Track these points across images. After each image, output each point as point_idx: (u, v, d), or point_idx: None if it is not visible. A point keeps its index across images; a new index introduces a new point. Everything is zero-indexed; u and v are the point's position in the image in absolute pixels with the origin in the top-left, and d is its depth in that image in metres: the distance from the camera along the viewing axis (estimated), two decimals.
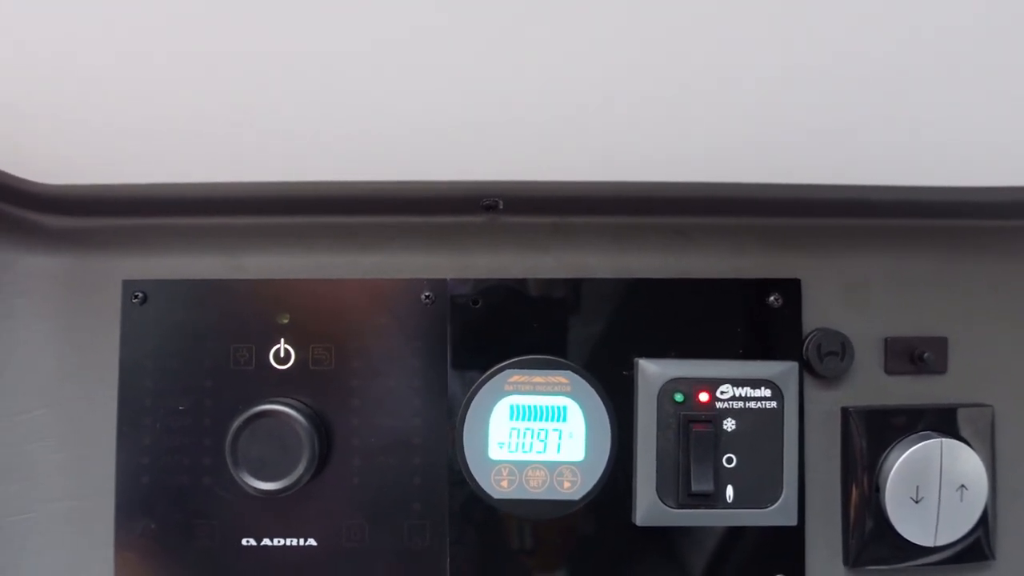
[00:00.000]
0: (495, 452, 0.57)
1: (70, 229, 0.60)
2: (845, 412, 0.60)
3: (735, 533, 0.59)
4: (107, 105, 0.46)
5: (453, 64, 0.41)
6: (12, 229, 0.59)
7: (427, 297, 0.59)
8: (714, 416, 0.57)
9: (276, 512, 0.58)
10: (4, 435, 0.58)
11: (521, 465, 0.57)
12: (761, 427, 0.57)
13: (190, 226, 0.61)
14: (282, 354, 0.59)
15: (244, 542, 0.58)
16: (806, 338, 0.60)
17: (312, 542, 0.58)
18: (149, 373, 0.59)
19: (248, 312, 0.59)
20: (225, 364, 0.59)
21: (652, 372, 0.57)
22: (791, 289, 0.60)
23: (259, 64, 0.41)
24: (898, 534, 0.59)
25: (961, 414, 0.60)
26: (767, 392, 0.57)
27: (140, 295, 0.59)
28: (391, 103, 0.45)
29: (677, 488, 0.57)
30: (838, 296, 0.61)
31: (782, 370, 0.58)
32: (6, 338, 0.59)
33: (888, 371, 0.61)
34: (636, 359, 0.58)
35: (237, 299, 0.59)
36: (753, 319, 0.60)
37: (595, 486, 0.57)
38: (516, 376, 0.57)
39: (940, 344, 0.61)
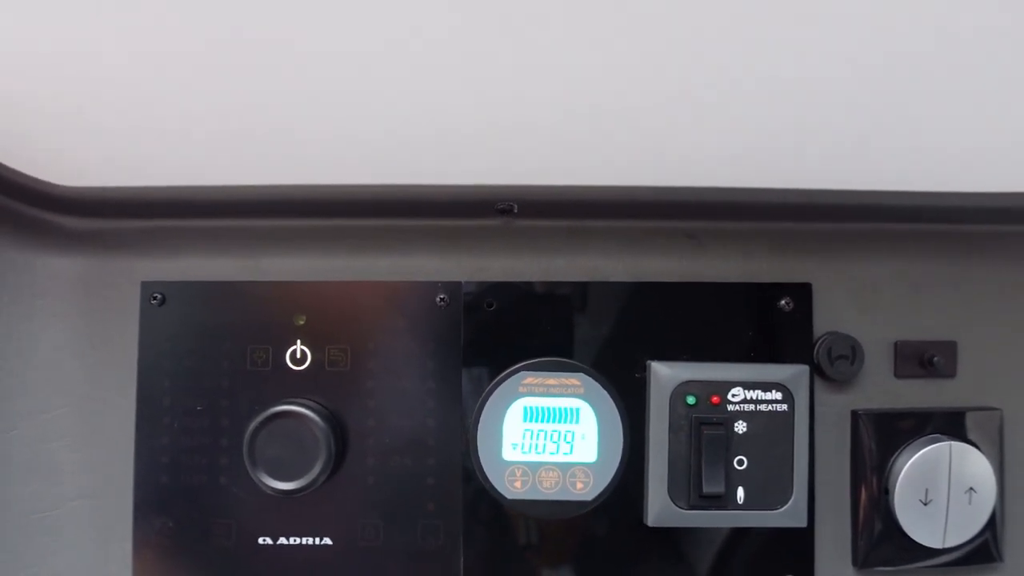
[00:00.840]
0: (509, 453, 0.58)
1: (89, 231, 0.61)
2: (855, 415, 0.61)
3: (745, 534, 0.60)
4: (126, 108, 0.46)
5: (468, 69, 0.42)
6: (32, 231, 0.60)
7: (442, 299, 0.60)
8: (725, 418, 0.57)
9: (292, 511, 0.59)
10: (24, 434, 0.59)
11: (534, 466, 0.58)
12: (772, 429, 0.58)
13: (208, 228, 0.61)
14: (298, 355, 0.59)
15: (260, 541, 0.59)
16: (817, 342, 0.60)
17: (328, 541, 0.59)
18: (167, 373, 0.59)
19: (265, 313, 0.60)
20: (242, 365, 0.59)
21: (664, 375, 0.58)
22: (802, 293, 0.60)
23: (277, 68, 0.41)
24: (907, 536, 0.59)
25: (970, 418, 0.61)
26: (778, 395, 0.58)
27: (158, 296, 0.60)
28: (407, 107, 0.46)
29: (688, 489, 0.57)
30: (848, 300, 0.61)
31: (793, 373, 0.58)
32: (26, 339, 0.60)
33: (898, 375, 0.61)
34: (648, 362, 0.59)
35: (254, 301, 0.60)
36: (764, 323, 0.60)
37: (607, 487, 0.58)
38: (530, 378, 0.58)
39: (949, 348, 0.62)
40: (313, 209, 0.61)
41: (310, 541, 0.59)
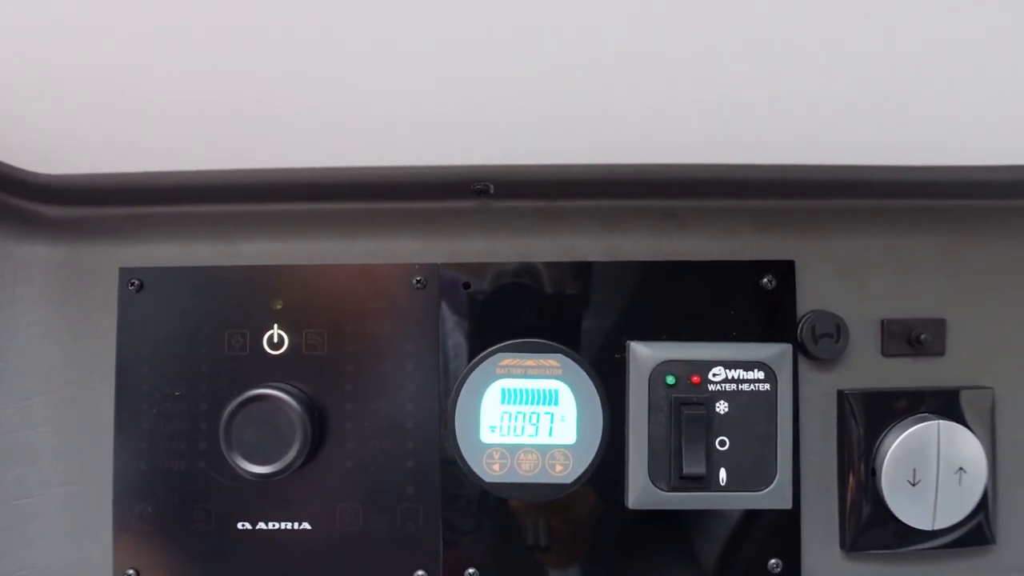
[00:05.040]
0: (487, 436, 0.57)
1: (68, 218, 0.61)
2: (841, 395, 0.60)
3: (730, 517, 0.59)
4: (104, 95, 0.46)
5: (442, 49, 0.41)
6: (11, 219, 0.60)
7: (418, 282, 0.59)
8: (706, 399, 0.56)
9: (271, 496, 0.59)
10: (4, 421, 0.59)
11: (513, 448, 0.57)
12: (754, 410, 0.57)
13: (185, 214, 0.61)
14: (276, 339, 0.59)
15: (240, 526, 0.59)
16: (800, 320, 0.59)
17: (307, 526, 0.59)
18: (146, 359, 0.59)
19: (242, 298, 0.59)
20: (220, 350, 0.59)
21: (643, 355, 0.57)
22: (784, 271, 0.59)
23: (250, 51, 0.41)
24: (895, 518, 0.58)
25: (960, 397, 0.59)
26: (760, 374, 0.57)
27: (137, 282, 0.60)
28: (381, 89, 0.45)
29: (669, 471, 0.57)
30: (833, 277, 0.60)
31: (775, 352, 0.57)
32: (5, 326, 0.60)
33: (885, 353, 0.60)
34: (628, 342, 0.58)
35: (231, 285, 0.59)
36: (746, 301, 0.59)
37: (587, 469, 0.57)
38: (507, 359, 0.57)
39: (938, 326, 0.60)
40: (289, 193, 0.60)
41: (289, 526, 0.59)
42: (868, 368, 0.60)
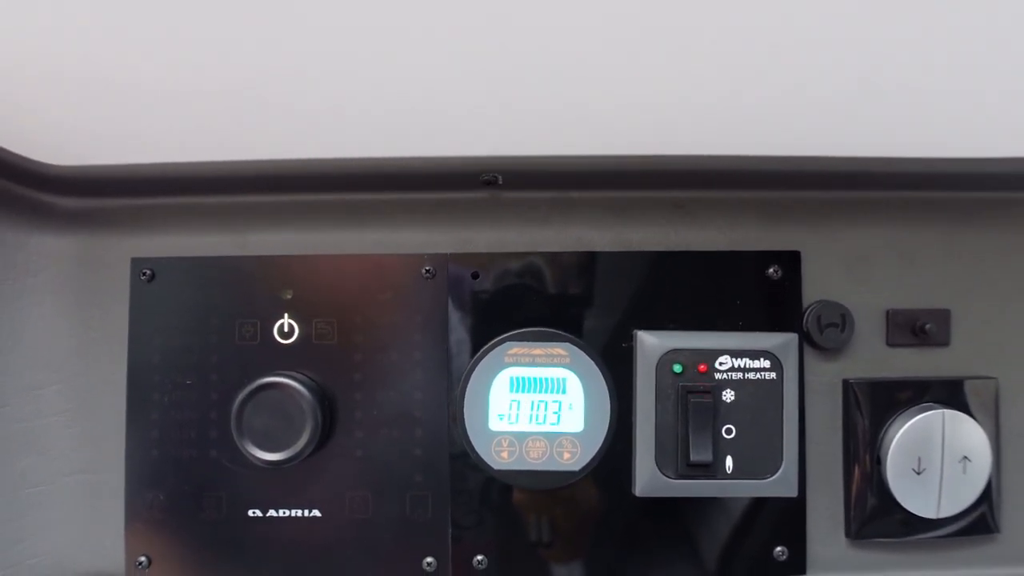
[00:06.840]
0: (495, 424, 0.58)
1: (80, 209, 0.62)
2: (846, 384, 0.60)
3: (736, 505, 0.60)
4: (116, 87, 0.46)
5: (452, 39, 0.41)
6: (24, 209, 0.61)
7: (427, 272, 0.60)
8: (713, 387, 0.57)
9: (281, 484, 0.59)
10: (17, 410, 0.60)
11: (521, 436, 0.57)
12: (760, 398, 0.57)
13: (197, 204, 0.62)
14: (286, 329, 0.60)
15: (250, 513, 0.59)
16: (806, 310, 0.60)
17: (316, 513, 0.59)
18: (157, 348, 0.60)
19: (253, 288, 0.60)
20: (230, 339, 0.60)
21: (651, 343, 0.58)
22: (791, 261, 0.60)
23: (261, 43, 0.42)
24: (900, 506, 0.58)
25: (964, 386, 0.60)
26: (766, 363, 0.57)
27: (148, 272, 0.60)
28: (391, 80, 0.46)
29: (676, 459, 0.57)
30: (839, 268, 0.61)
31: (781, 341, 0.58)
32: (19, 316, 0.60)
33: (890, 343, 0.61)
34: (635, 331, 0.59)
35: (242, 275, 0.60)
36: (753, 291, 0.60)
37: (595, 457, 0.57)
38: (516, 348, 0.58)
39: (943, 316, 0.61)
40: (299, 184, 0.61)
41: (299, 513, 0.59)
42: (873, 358, 0.61)
